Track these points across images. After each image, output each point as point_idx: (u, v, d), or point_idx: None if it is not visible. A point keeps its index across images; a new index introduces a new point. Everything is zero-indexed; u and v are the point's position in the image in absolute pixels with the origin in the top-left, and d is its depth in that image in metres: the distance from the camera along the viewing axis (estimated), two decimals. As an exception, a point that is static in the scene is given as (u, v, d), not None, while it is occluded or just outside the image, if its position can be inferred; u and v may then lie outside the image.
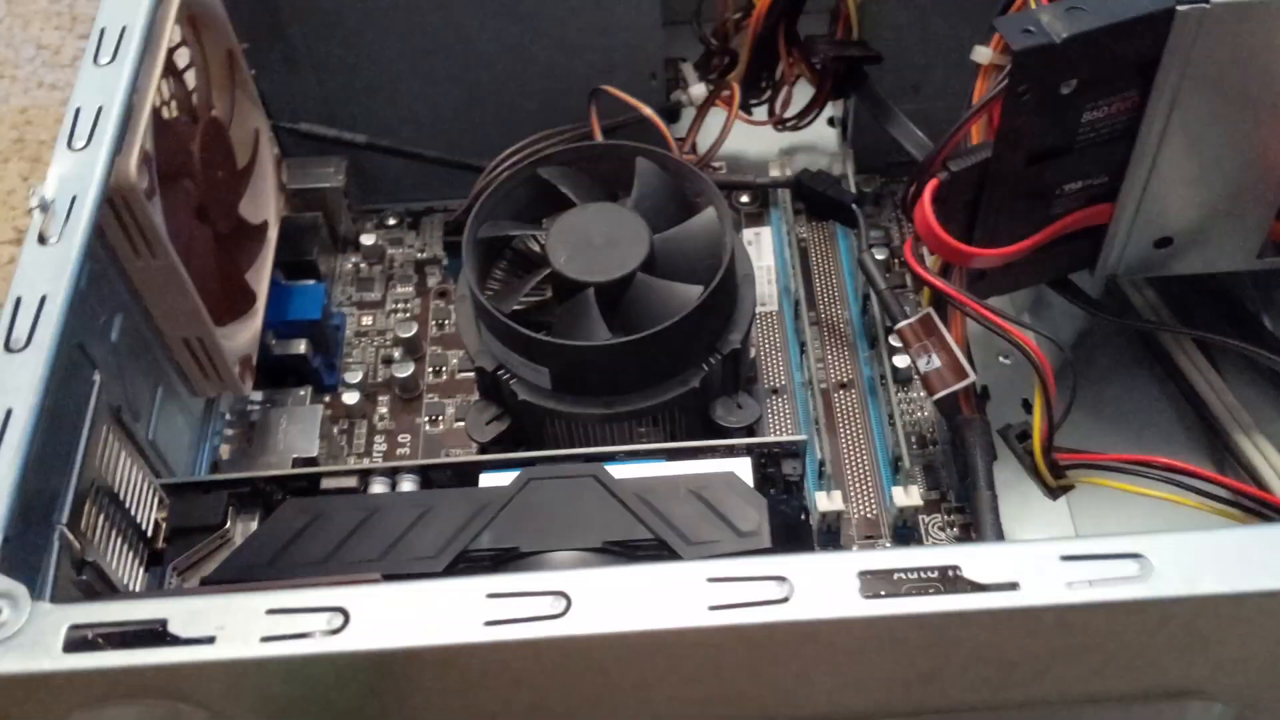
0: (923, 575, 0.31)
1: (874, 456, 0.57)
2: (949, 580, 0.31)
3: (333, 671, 0.32)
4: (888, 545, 0.54)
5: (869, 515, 0.55)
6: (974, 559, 0.31)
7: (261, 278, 0.57)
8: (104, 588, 0.43)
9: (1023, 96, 0.44)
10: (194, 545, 0.47)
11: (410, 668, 0.32)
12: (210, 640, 0.31)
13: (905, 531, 0.54)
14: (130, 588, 0.46)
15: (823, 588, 0.31)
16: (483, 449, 0.55)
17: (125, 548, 0.45)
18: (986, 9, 0.47)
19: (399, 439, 0.61)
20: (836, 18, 0.62)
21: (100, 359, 0.45)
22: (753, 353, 0.58)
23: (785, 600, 0.30)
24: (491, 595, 0.31)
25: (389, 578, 0.44)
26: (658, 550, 0.44)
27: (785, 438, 0.48)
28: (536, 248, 0.55)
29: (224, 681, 0.32)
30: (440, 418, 0.62)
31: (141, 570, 0.46)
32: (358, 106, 0.65)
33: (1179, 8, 0.42)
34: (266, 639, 0.31)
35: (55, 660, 0.31)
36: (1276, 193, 0.49)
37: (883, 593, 0.31)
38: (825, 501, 0.51)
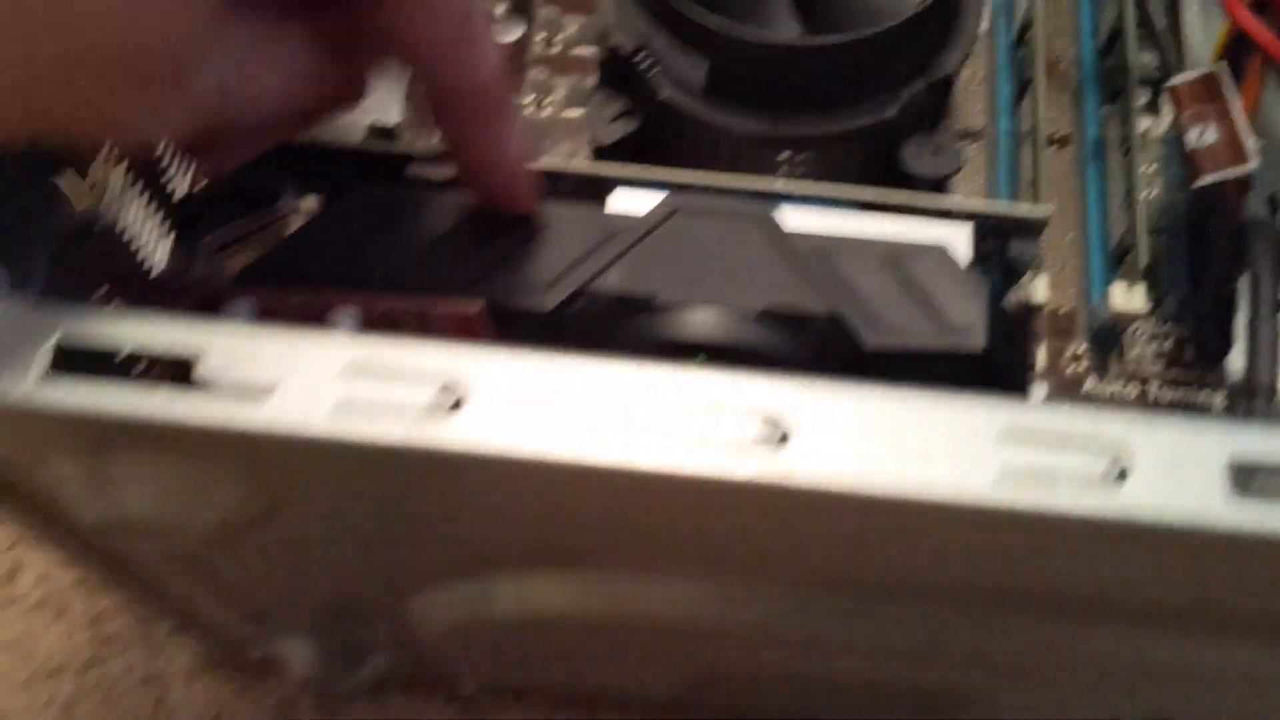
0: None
1: (1082, 237, 0.45)
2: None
3: (423, 466, 0.22)
4: (1083, 352, 0.44)
5: (1062, 309, 0.45)
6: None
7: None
8: (116, 260, 0.33)
9: None
10: (238, 220, 0.37)
11: (533, 480, 0.22)
12: (258, 397, 0.21)
13: (1107, 338, 0.43)
14: (152, 263, 0.36)
15: (1176, 477, 0.20)
16: (598, 154, 0.44)
17: (146, 212, 0.35)
18: None
19: (493, 120, 0.49)
20: None
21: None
22: (949, 82, 0.45)
23: (1119, 480, 0.20)
24: (673, 399, 0.21)
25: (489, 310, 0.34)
26: (832, 329, 0.34)
27: (1024, 208, 0.36)
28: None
29: (270, 453, 0.22)
30: (548, 102, 0.50)
31: (167, 244, 0.36)
32: None
33: None
34: (341, 410, 0.21)
35: (28, 387, 0.21)
36: None
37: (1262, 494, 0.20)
38: (1035, 289, 0.40)
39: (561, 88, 0.50)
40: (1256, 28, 0.37)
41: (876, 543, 0.23)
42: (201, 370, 0.21)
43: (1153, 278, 0.44)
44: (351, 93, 0.33)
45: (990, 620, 0.28)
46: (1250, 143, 0.39)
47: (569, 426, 0.21)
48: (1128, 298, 0.41)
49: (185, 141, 0.26)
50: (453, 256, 0.35)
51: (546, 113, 0.49)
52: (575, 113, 0.49)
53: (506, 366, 0.21)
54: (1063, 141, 0.47)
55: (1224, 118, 0.39)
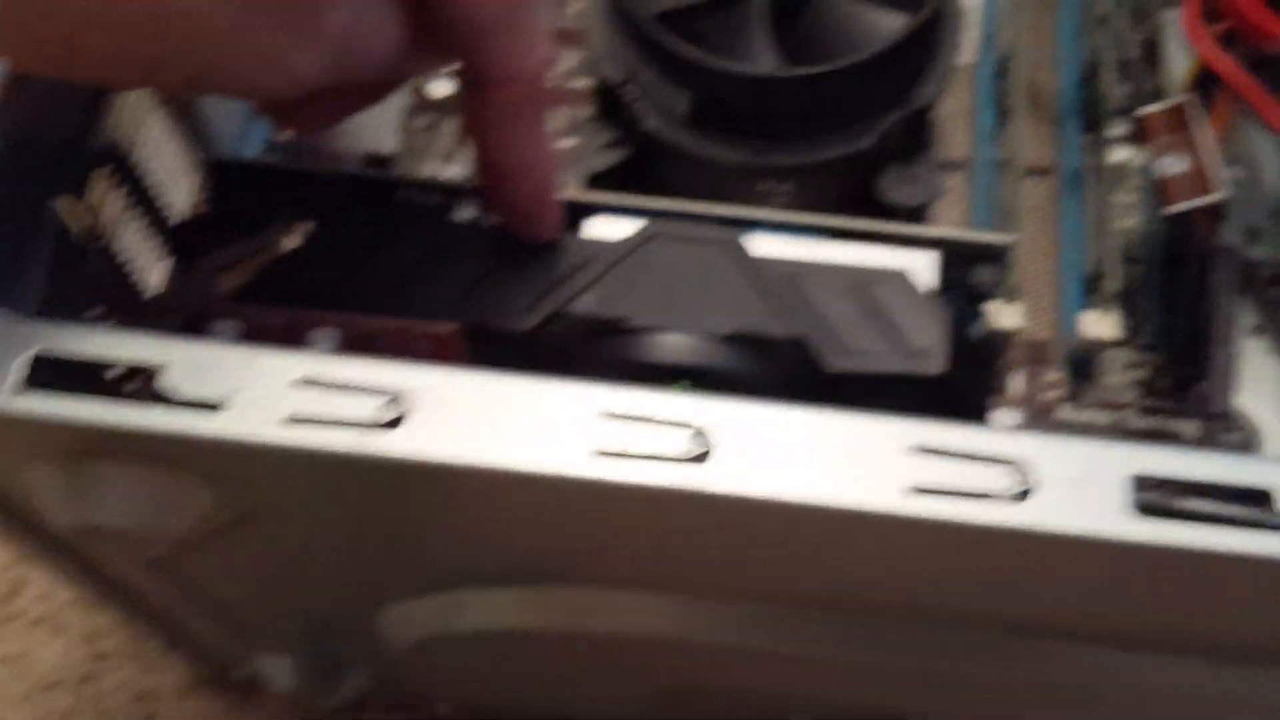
0: (1220, 491, 0.22)
1: (1059, 266, 0.46)
2: (1258, 506, 0.22)
3: (371, 475, 0.23)
4: (1057, 379, 0.44)
5: (1037, 338, 0.45)
6: (1292, 483, 0.22)
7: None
8: (111, 280, 0.35)
9: None
10: (232, 244, 0.38)
11: (475, 490, 0.23)
12: (214, 408, 0.23)
13: (1081, 365, 0.44)
14: (146, 284, 0.37)
15: (1078, 490, 0.21)
16: (591, 180, 0.45)
17: (145, 234, 0.37)
18: None
19: (491, 148, 0.51)
20: None
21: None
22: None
23: (1021, 497, 0.21)
24: (607, 415, 0.22)
25: (466, 330, 0.35)
26: (797, 353, 0.35)
27: (987, 236, 0.37)
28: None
29: (228, 461, 0.24)
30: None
31: (162, 266, 0.38)
32: None
33: None
34: (291, 421, 0.22)
35: (4, 397, 0.23)
36: None
37: (1165, 511, 0.21)
38: (1007, 316, 0.41)
39: (559, 118, 0.51)
40: (1219, 58, 0.38)
41: (802, 554, 0.24)
42: (163, 382, 0.23)
43: (1130, 306, 0.45)
44: (419, 68, 0.32)
45: (926, 639, 0.28)
46: (1219, 173, 0.40)
47: (501, 438, 0.22)
48: (1099, 324, 0.42)
49: (301, 93, 0.27)
50: (435, 278, 0.36)
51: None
52: (573, 142, 0.51)
53: (446, 382, 0.23)
54: (1044, 172, 0.48)
55: (1192, 148, 0.40)
